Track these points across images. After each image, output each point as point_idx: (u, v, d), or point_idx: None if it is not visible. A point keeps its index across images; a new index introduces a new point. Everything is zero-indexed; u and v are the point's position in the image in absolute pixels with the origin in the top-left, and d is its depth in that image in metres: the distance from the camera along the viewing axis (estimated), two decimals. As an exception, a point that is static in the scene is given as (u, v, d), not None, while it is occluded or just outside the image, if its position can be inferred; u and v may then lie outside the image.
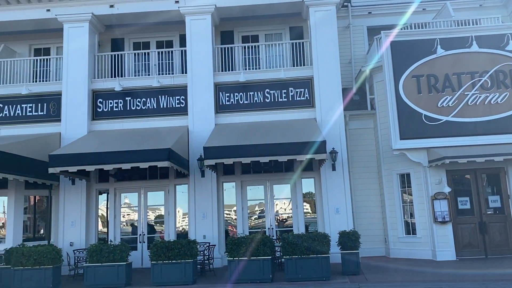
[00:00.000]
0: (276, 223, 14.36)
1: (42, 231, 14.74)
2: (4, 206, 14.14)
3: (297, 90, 14.40)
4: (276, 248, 11.98)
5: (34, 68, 15.71)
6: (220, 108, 14.46)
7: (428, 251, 13.30)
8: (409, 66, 13.72)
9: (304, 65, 15.00)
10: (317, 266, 10.46)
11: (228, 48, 15.34)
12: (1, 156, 11.41)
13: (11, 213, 13.81)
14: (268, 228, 14.18)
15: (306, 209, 14.49)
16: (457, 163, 12.85)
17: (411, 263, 12.55)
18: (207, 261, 12.23)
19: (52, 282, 10.77)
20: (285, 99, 14.38)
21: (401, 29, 14.59)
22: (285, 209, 14.53)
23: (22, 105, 14.69)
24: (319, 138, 11.90)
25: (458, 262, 12.43)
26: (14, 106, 14.71)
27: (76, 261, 12.53)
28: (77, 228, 13.65)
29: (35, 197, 14.64)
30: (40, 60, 15.65)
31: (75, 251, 12.89)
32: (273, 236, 13.93)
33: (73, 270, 12.45)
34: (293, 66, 15.10)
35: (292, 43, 15.35)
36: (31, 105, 14.69)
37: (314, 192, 14.41)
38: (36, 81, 15.40)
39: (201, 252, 11.97)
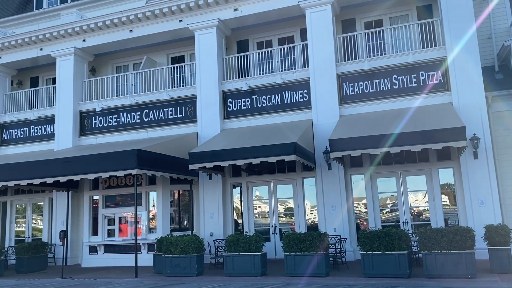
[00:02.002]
0: (411, 217, 13.58)
1: (185, 222, 16.25)
2: (153, 200, 15.94)
3: (428, 73, 13.39)
4: (413, 243, 11.34)
5: (171, 75, 17.34)
6: (344, 99, 14.19)
7: None
8: None
9: (435, 45, 13.88)
10: (460, 262, 9.62)
11: (350, 36, 14.95)
12: (150, 155, 12.87)
13: (160, 206, 15.51)
14: (403, 222, 13.49)
15: (444, 201, 13.41)
16: None
17: None
18: (339, 254, 12.14)
19: (197, 269, 11.81)
20: (415, 84, 13.49)
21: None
22: (420, 202, 13.65)
23: (164, 109, 16.33)
24: (456, 124, 10.89)
25: None
26: (157, 110, 16.43)
27: (216, 250, 13.53)
28: (215, 220, 14.72)
29: (178, 192, 16.21)
30: (176, 67, 17.21)
31: (215, 241, 13.93)
32: (408, 230, 13.22)
33: (214, 258, 13.46)
34: (423, 48, 14.07)
35: (421, 24, 14.31)
36: (171, 108, 16.25)
37: (453, 183, 13.26)
38: (174, 87, 16.97)
39: (333, 245, 11.92)
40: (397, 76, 13.69)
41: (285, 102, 14.86)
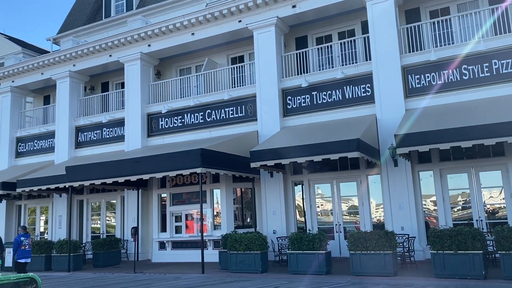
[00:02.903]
0: (485, 215, 12.76)
1: (248, 220, 16.47)
2: (217, 198, 16.32)
3: (502, 61, 12.45)
4: (488, 242, 10.66)
5: (231, 75, 17.62)
6: (409, 92, 13.63)
7: None
8: None
9: (510, 31, 12.91)
10: (544, 265, 8.89)
11: (414, 26, 14.33)
12: (214, 154, 13.18)
13: (224, 204, 15.86)
14: (476, 220, 12.72)
15: (524, 198, 12.46)
16: None
17: None
18: (407, 253, 11.71)
19: (261, 266, 11.93)
20: (488, 74, 12.63)
21: None
22: (495, 199, 12.79)
23: (225, 109, 16.65)
24: (536, 114, 10.06)
25: None
26: (219, 110, 16.79)
27: (279, 248, 13.57)
28: (277, 217, 14.78)
29: (241, 189, 16.46)
30: (236, 67, 17.46)
31: (278, 239, 13.98)
32: (482, 228, 12.44)
33: (277, 256, 13.52)
34: (495, 35, 13.16)
35: (492, 9, 13.38)
36: (232, 108, 16.53)
37: (533, 179, 12.29)
38: (234, 87, 17.24)
39: (401, 244, 11.51)
40: (467, 66, 12.92)
41: (347, 97, 14.57)
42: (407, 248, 11.76)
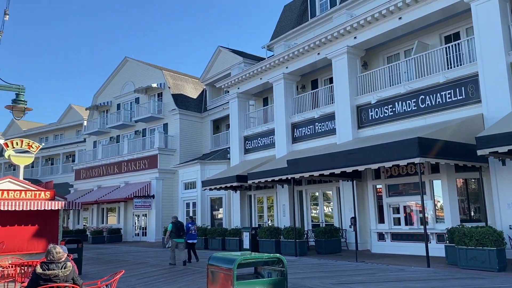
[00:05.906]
0: None
1: (474, 213, 14.89)
2: (438, 189, 15.26)
3: None
4: None
5: (446, 55, 16.19)
6: None
7: None
8: None
9: None
10: None
11: None
12: (432, 143, 12.42)
13: (446, 195, 14.76)
14: None
15: None
16: None
17: None
18: None
19: (498, 264, 10.68)
20: None
21: None
22: None
23: (441, 93, 15.43)
24: None
25: None
26: (434, 95, 15.66)
27: (519, 245, 11.88)
28: (515, 211, 12.92)
29: (465, 180, 15.00)
30: (451, 46, 15.95)
31: (516, 235, 12.25)
32: None
33: (517, 254, 11.86)
34: None
35: None
36: (449, 91, 15.21)
37: None
38: (449, 68, 15.81)
39: None
40: None
41: None
42: None
